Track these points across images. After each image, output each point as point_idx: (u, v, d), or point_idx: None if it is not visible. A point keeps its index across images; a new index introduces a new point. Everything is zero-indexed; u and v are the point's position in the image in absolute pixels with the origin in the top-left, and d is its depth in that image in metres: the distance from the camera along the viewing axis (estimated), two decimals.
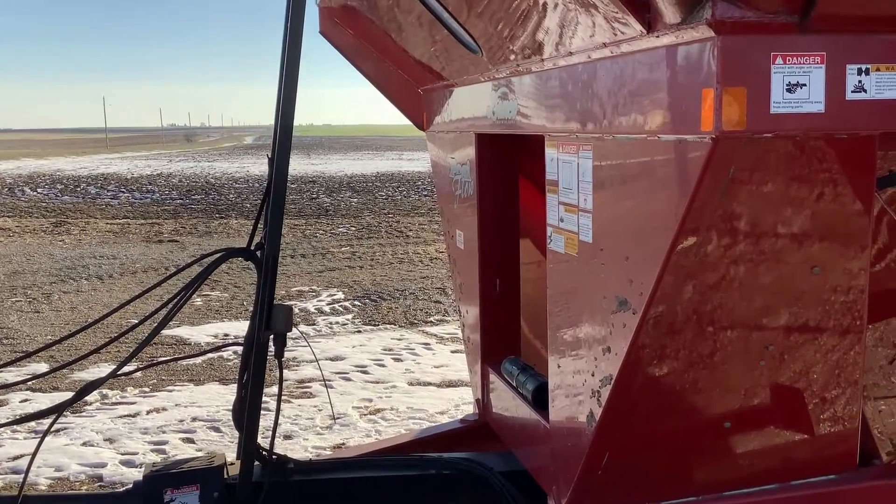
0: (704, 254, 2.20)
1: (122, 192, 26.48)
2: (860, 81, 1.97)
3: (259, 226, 3.44)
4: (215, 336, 9.18)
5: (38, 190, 26.84)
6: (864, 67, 1.97)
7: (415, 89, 5.06)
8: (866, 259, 2.28)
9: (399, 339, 9.14)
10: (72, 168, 38.84)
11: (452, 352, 8.59)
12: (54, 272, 12.92)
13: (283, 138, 3.32)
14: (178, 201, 24.02)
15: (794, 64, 1.95)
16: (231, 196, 25.42)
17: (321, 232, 17.71)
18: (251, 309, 3.84)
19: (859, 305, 2.37)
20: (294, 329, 3.32)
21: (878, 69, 1.98)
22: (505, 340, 4.22)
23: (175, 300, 3.29)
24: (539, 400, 3.34)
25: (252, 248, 3.37)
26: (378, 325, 9.77)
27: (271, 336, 3.19)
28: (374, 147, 64.58)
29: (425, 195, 24.53)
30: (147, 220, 19.68)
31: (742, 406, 2.48)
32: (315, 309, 10.54)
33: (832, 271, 2.29)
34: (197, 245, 15.93)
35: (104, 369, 7.36)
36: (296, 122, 3.40)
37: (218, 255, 3.43)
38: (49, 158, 49.10)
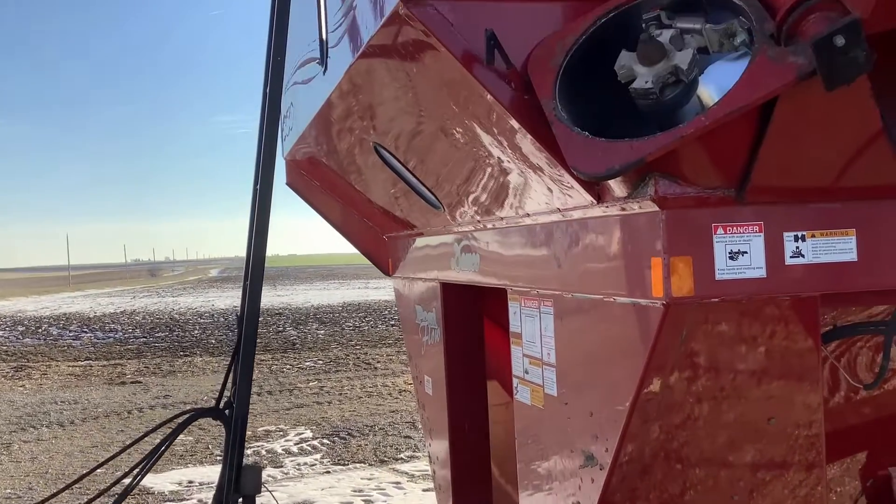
0: (665, 412, 2.27)
1: (85, 332, 26.14)
2: (797, 247, 2.11)
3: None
4: (179, 484, 8.95)
5: None
6: (800, 234, 2.12)
7: (380, 236, 5.20)
8: (819, 410, 2.37)
9: (369, 479, 8.98)
10: (34, 308, 38.37)
11: (424, 490, 8.45)
12: (14, 420, 12.60)
13: (252, 297, 3.40)
14: (142, 339, 23.75)
15: (735, 233, 2.09)
16: (195, 332, 25.20)
17: (288, 367, 17.55)
18: (216, 453, 3.80)
19: (816, 451, 2.44)
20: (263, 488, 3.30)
21: (812, 235, 2.12)
22: (475, 486, 4.21)
23: (140, 465, 3.27)
24: None
25: (221, 406, 3.39)
26: (348, 464, 9.61)
27: (240, 499, 3.17)
28: (340, 276, 64.77)
29: (392, 325, 24.53)
30: (109, 361, 19.39)
31: None
32: (282, 450, 10.35)
33: (787, 422, 2.37)
34: (161, 386, 15.68)
35: None
36: None
37: (186, 416, 3.43)
38: (10, 299, 48.51)
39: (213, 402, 3.51)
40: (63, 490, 3.33)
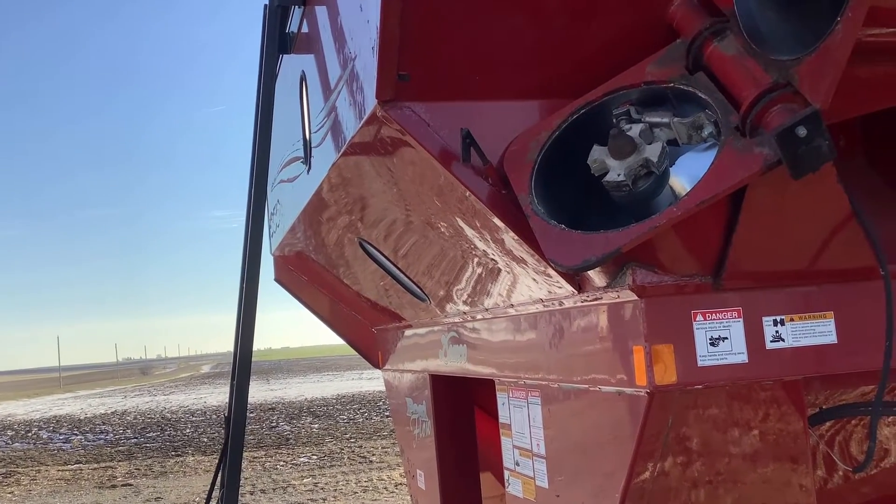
0: (655, 501, 2.25)
1: (75, 434, 25.71)
2: (777, 332, 2.13)
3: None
4: None
5: None
6: (779, 318, 2.14)
7: (368, 329, 5.20)
8: (812, 492, 2.35)
9: None
10: (24, 412, 37.79)
11: None
12: None
13: (239, 395, 3.38)
14: (133, 440, 23.35)
15: (715, 319, 2.11)
16: (187, 431, 24.81)
17: (281, 463, 17.23)
18: None
19: None
20: None
21: (791, 319, 2.15)
22: None
23: None
24: None
25: None
26: None
27: None
28: (333, 367, 64.18)
29: (387, 416, 24.21)
30: (100, 464, 19.00)
31: None
32: None
33: None
34: (152, 488, 15.35)
35: None
36: (254, 347, 3.50)
37: None
38: (0, 403, 47.84)
39: None
40: None
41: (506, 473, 3.08)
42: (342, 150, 2.88)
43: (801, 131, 1.81)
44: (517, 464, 2.96)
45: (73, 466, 19.14)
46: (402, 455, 4.98)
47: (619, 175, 2.06)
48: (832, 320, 2.17)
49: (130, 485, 16.00)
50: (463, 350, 3.47)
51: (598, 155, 2.11)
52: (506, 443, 3.07)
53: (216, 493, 3.39)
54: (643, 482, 2.21)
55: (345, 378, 45.88)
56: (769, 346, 2.13)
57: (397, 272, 3.66)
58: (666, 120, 2.11)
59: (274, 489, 14.35)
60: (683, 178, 2.08)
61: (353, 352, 5.56)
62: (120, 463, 19.13)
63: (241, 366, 3.35)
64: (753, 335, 2.12)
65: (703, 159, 2.01)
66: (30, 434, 26.45)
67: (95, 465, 19.11)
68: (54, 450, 22.55)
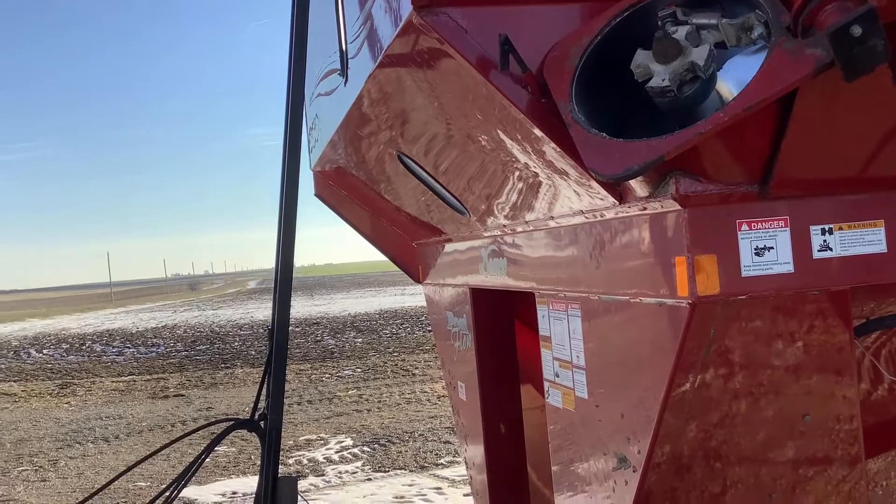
0: (697, 411, 2.25)
1: (128, 347, 26.52)
2: (825, 241, 2.08)
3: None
4: (223, 495, 9.03)
5: (44, 351, 26.89)
6: (826, 227, 2.08)
7: (409, 244, 5.21)
8: (856, 404, 2.32)
9: (410, 486, 8.98)
10: (77, 326, 38.99)
11: (465, 495, 8.43)
12: (60, 437, 12.81)
13: (282, 308, 3.42)
14: (184, 353, 24.02)
15: (760, 229, 2.06)
16: (236, 344, 25.44)
17: (327, 376, 17.64)
18: (259, 464, 3.84)
19: (857, 445, 2.39)
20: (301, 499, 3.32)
21: (840, 228, 2.09)
22: (512, 489, 4.20)
23: (179, 477, 3.30)
24: None
25: (255, 418, 3.41)
26: (388, 471, 9.63)
27: None
28: (376, 284, 65.03)
29: (429, 331, 24.55)
30: (152, 376, 19.64)
31: None
32: (324, 458, 10.41)
33: (826, 417, 2.33)
34: (203, 398, 15.85)
35: None
36: (297, 263, 3.54)
37: (221, 426, 3.46)
38: (54, 317, 49.36)
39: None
40: (92, 495, 3.38)
41: (545, 385, 3.09)
42: (379, 61, 2.82)
43: (856, 30, 1.72)
44: (557, 375, 2.97)
45: (126, 378, 19.80)
46: (443, 368, 5.04)
47: (663, 80, 1.98)
48: (882, 228, 2.10)
49: (182, 395, 16.53)
50: (503, 263, 3.45)
51: (641, 59, 2.04)
52: (545, 355, 3.08)
53: (262, 404, 3.47)
54: (683, 393, 2.20)
55: (387, 294, 46.48)
56: (816, 255, 2.08)
57: (437, 186, 3.64)
58: (714, 21, 2.02)
59: (320, 400, 14.72)
60: (731, 82, 2.00)
61: (395, 268, 5.59)
62: (172, 374, 19.75)
63: (283, 279, 3.38)
64: (800, 244, 2.07)
65: (753, 62, 1.93)
66: (84, 347, 27.34)
67: (148, 377, 19.75)
68: (108, 362, 23.32)
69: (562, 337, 2.89)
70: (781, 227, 2.06)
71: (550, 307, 2.97)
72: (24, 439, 13.18)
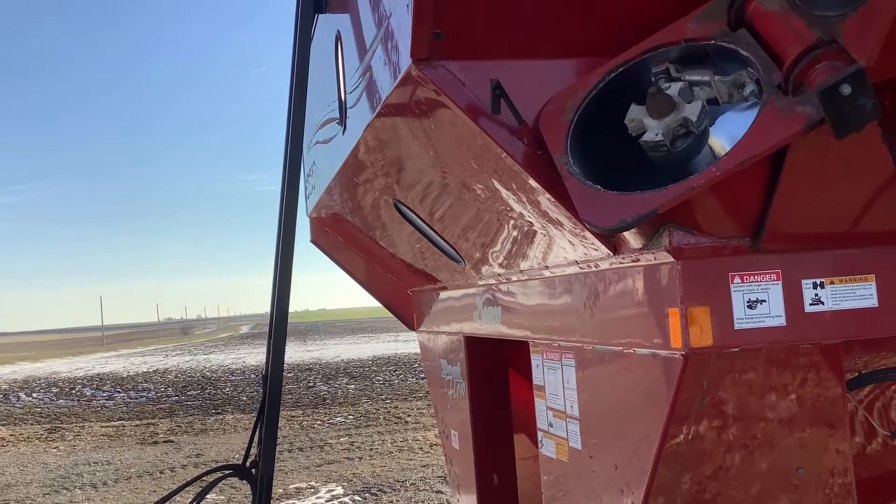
0: (689, 465, 2.24)
1: (118, 392, 26.29)
2: (817, 295, 2.10)
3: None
4: None
5: (34, 395, 26.64)
6: (818, 281, 2.10)
7: (404, 291, 5.22)
8: (849, 457, 2.32)
9: None
10: (67, 369, 38.67)
11: None
12: (48, 482, 12.63)
13: (276, 354, 3.42)
14: (174, 398, 23.81)
15: (752, 282, 2.08)
16: (227, 390, 25.24)
17: (318, 423, 17.48)
18: None
19: (850, 499, 2.38)
20: None
21: (832, 282, 2.11)
22: None
23: None
24: None
25: (247, 464, 3.39)
26: None
27: None
28: (370, 330, 64.77)
29: (422, 378, 24.41)
30: (142, 421, 19.44)
31: None
32: None
33: (819, 470, 2.33)
34: (192, 444, 15.68)
35: None
36: (291, 309, 3.54)
37: (213, 474, 3.43)
38: (45, 360, 48.98)
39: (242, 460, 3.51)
40: None
41: (539, 434, 3.09)
42: (377, 111, 2.86)
43: (846, 89, 1.76)
44: (551, 425, 2.97)
45: (116, 423, 19.59)
46: (436, 416, 5.02)
47: (657, 135, 2.02)
48: (873, 283, 2.12)
49: (172, 441, 16.35)
50: (497, 312, 3.46)
51: (635, 114, 2.08)
52: (539, 404, 3.07)
53: (254, 451, 3.45)
54: (677, 445, 2.20)
55: (381, 340, 46.29)
56: (808, 309, 2.10)
57: (433, 234, 3.66)
58: (706, 78, 2.07)
59: (311, 447, 14.57)
60: (723, 137, 2.04)
61: (389, 314, 5.59)
62: (161, 420, 19.53)
63: (278, 326, 3.39)
64: (792, 298, 2.09)
65: (744, 118, 1.97)
66: (74, 391, 27.09)
67: (138, 422, 19.54)
68: (98, 406, 23.08)
69: (556, 386, 2.89)
70: (773, 280, 2.08)
71: (545, 356, 2.97)
72: (11, 484, 13.00)
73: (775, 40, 1.97)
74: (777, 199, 2.03)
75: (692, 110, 2.02)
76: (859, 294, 2.12)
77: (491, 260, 3.26)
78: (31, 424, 20.13)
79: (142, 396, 25.01)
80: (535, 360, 3.08)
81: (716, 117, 2.09)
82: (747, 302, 2.07)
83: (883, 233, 2.13)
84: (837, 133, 1.80)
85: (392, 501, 10.34)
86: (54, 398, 25.85)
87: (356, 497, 10.72)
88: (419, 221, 3.68)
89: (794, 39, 1.91)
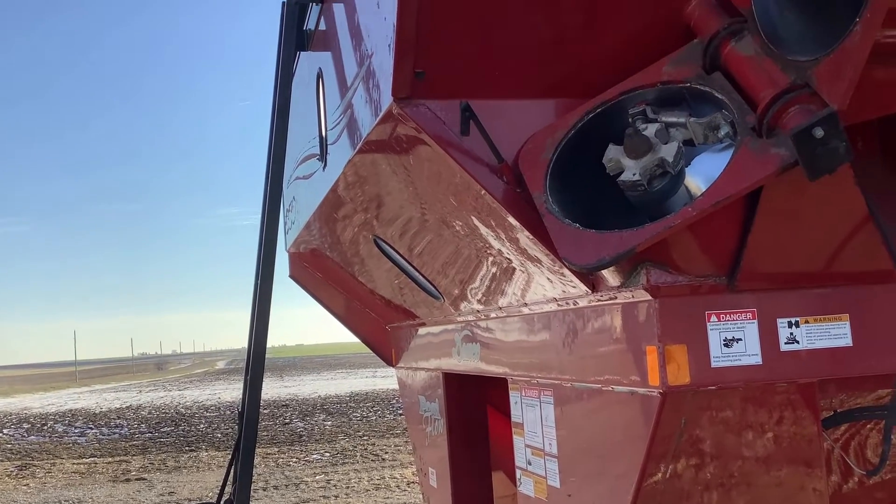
0: (670, 501, 2.24)
1: (90, 428, 25.88)
2: (792, 334, 2.12)
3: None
4: None
5: (4, 431, 26.16)
6: (793, 320, 2.13)
7: (382, 326, 5.20)
8: (825, 497, 2.33)
9: None
10: (39, 405, 38.05)
11: None
12: None
13: (252, 392, 3.39)
14: (147, 435, 23.47)
15: (729, 320, 2.10)
16: (201, 426, 24.92)
17: (294, 460, 17.27)
18: None
19: None
20: None
21: (806, 321, 2.14)
22: None
23: None
24: None
25: (222, 503, 3.35)
26: None
27: None
28: (347, 365, 64.32)
29: (400, 414, 24.23)
30: (114, 458, 19.12)
31: None
32: None
33: None
34: (165, 482, 15.43)
35: None
36: (268, 344, 3.52)
37: None
38: (16, 396, 48.18)
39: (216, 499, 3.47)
40: None
41: (517, 472, 3.08)
42: (358, 148, 2.88)
43: (819, 132, 1.80)
44: (529, 463, 2.96)
45: (87, 460, 19.25)
46: (414, 453, 4.99)
47: (634, 174, 2.05)
48: (847, 322, 2.15)
49: (144, 479, 16.08)
50: (476, 349, 3.47)
51: (613, 154, 2.11)
52: (518, 442, 3.07)
53: (228, 489, 3.41)
54: (655, 483, 2.21)
55: (358, 376, 45.96)
56: (783, 347, 2.12)
57: (412, 270, 3.67)
58: (682, 120, 2.11)
59: (286, 486, 14.38)
60: (699, 178, 2.07)
61: (367, 350, 5.57)
62: (134, 457, 19.23)
63: (255, 362, 3.37)
64: (768, 337, 2.11)
65: (719, 160, 2.00)
66: (45, 427, 26.64)
67: (110, 459, 19.22)
68: (69, 443, 22.69)
69: (534, 424, 2.89)
70: (749, 318, 2.11)
71: (523, 393, 2.97)
72: None
73: (749, 84, 2.01)
74: (752, 239, 2.06)
75: (668, 151, 2.05)
76: (834, 333, 2.15)
77: (470, 296, 3.26)
78: (1, 461, 19.74)
79: (114, 433, 24.62)
80: (514, 397, 3.08)
81: (692, 158, 2.13)
82: (724, 340, 2.09)
83: (856, 273, 2.17)
84: (810, 175, 1.84)
85: None
86: (25, 434, 25.40)
87: None
88: (398, 257, 3.69)
89: (768, 83, 1.96)
